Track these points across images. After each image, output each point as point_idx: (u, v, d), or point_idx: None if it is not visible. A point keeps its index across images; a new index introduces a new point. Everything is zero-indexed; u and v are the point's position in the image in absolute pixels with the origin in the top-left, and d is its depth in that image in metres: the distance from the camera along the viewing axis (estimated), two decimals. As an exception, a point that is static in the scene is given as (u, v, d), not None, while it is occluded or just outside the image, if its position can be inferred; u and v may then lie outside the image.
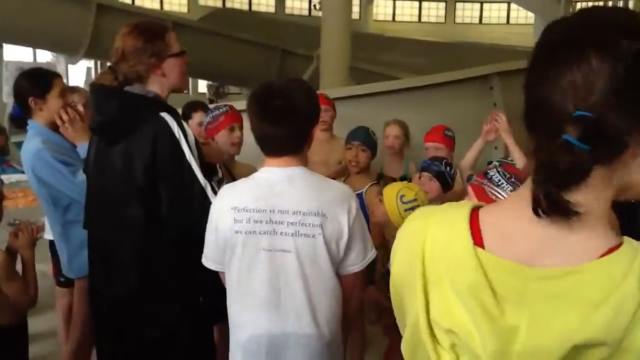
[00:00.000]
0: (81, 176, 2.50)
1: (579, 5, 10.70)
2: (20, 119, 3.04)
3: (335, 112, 3.78)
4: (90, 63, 15.64)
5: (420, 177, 3.06)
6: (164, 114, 1.96)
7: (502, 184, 1.99)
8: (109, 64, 2.19)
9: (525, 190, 0.79)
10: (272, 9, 20.50)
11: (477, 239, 0.81)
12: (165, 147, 1.93)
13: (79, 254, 2.78)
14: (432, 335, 0.81)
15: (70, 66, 9.44)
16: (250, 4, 20.31)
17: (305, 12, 20.75)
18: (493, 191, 1.99)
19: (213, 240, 1.76)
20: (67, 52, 8.72)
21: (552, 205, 0.73)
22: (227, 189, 1.79)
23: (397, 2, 21.61)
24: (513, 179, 2.01)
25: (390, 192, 2.63)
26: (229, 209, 1.69)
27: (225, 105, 3.07)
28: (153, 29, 2.05)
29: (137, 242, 2.00)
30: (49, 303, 3.38)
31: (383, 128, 3.77)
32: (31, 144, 2.69)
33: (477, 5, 20.92)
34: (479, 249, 0.79)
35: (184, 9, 19.03)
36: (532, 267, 0.76)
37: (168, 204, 1.96)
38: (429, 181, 2.99)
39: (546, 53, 0.79)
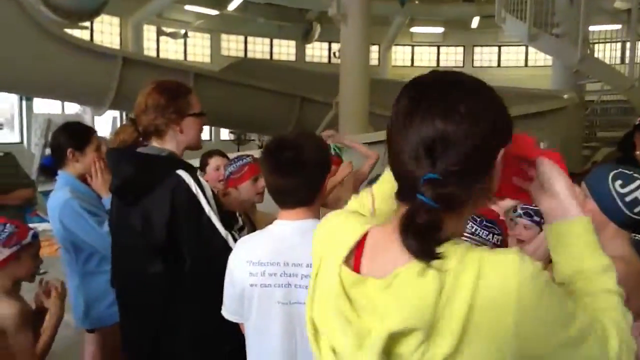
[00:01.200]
0: (106, 227, 2.57)
1: (597, 47, 10.70)
2: (50, 169, 3.16)
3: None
4: (116, 113, 16.07)
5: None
6: (180, 172, 2.00)
7: (477, 230, 1.97)
8: (131, 116, 2.27)
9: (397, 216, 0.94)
10: (292, 57, 20.95)
11: (358, 254, 0.98)
12: (183, 203, 1.97)
13: (97, 305, 2.84)
14: (315, 331, 1.01)
15: (96, 117, 9.71)
16: (271, 53, 20.80)
17: (325, 60, 21.15)
18: (474, 242, 1.95)
19: (231, 292, 1.78)
20: (93, 105, 8.99)
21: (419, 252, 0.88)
22: (242, 243, 1.82)
23: (415, 48, 21.92)
24: (485, 222, 1.99)
25: None
26: (244, 262, 1.71)
27: (248, 156, 3.13)
28: (177, 88, 2.15)
29: (158, 297, 2.05)
30: (72, 356, 3.39)
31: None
32: (60, 194, 2.79)
33: (495, 49, 21.11)
34: (343, 267, 0.97)
35: (207, 59, 19.54)
36: (380, 278, 0.92)
37: (191, 259, 1.99)
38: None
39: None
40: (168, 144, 2.11)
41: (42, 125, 11.11)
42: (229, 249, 1.93)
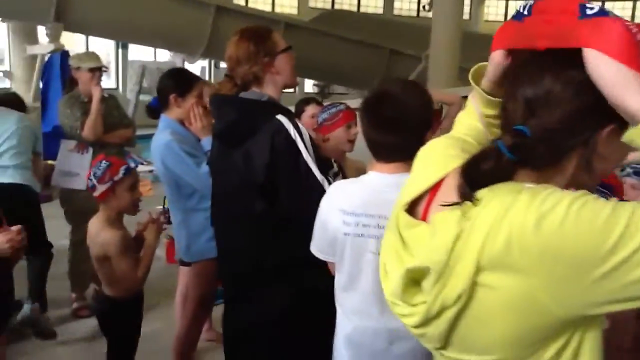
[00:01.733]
0: (204, 168, 2.70)
1: None
2: (155, 111, 3.34)
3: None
4: (205, 62, 16.45)
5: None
6: (280, 116, 2.05)
7: None
8: (223, 65, 2.33)
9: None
10: (380, 10, 20.53)
11: (431, 198, 1.01)
12: (282, 146, 2.01)
13: (197, 240, 3.01)
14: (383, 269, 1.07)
15: (188, 64, 10.00)
16: (359, 5, 20.46)
17: (414, 13, 20.58)
18: None
19: (321, 234, 1.82)
20: (186, 52, 9.22)
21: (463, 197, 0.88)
22: (336, 189, 1.84)
23: (509, 2, 20.86)
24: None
25: None
26: (338, 211, 1.74)
27: (341, 103, 3.16)
28: (260, 32, 2.19)
29: (260, 232, 2.14)
30: (161, 285, 3.62)
31: None
32: (162, 136, 2.94)
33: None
34: (401, 212, 1.01)
35: (294, 11, 19.52)
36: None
37: (288, 199, 2.06)
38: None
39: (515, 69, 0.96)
40: (267, 88, 2.16)
41: (137, 72, 11.59)
42: (324, 191, 1.95)
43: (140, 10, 8.49)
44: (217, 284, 3.07)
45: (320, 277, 1.93)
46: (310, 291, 2.06)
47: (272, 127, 2.03)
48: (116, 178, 2.53)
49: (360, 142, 2.29)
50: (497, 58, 0.99)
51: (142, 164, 8.19)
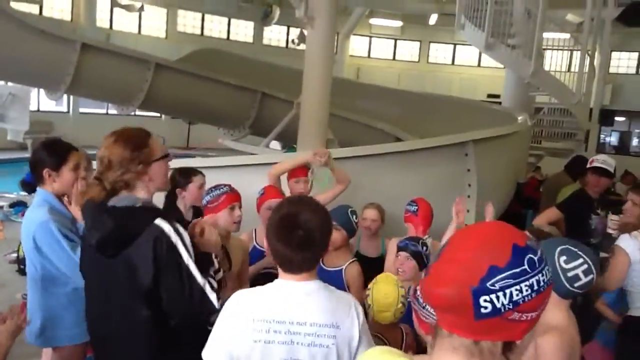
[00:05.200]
0: (79, 253, 2.54)
1: (547, 61, 11.12)
2: (29, 184, 3.13)
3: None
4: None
5: (397, 256, 3.24)
6: (158, 221, 2.05)
7: (426, 305, 2.11)
8: (94, 172, 2.22)
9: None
10: (250, 39, 20.69)
11: None
12: (163, 253, 2.02)
13: (54, 324, 2.82)
14: None
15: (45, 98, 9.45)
16: (228, 33, 20.47)
17: (283, 44, 20.99)
18: (423, 314, 2.13)
19: (223, 341, 1.85)
20: (48, 89, 8.70)
21: None
22: (245, 297, 1.91)
23: (373, 39, 22.02)
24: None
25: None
26: (249, 319, 1.82)
27: (225, 186, 3.21)
28: (137, 139, 2.15)
29: (147, 337, 2.11)
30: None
31: (361, 210, 3.96)
32: (38, 213, 2.79)
33: (451, 47, 21.50)
34: None
35: (162, 34, 19.07)
36: None
37: (170, 304, 2.06)
38: (406, 260, 3.17)
39: None
40: (138, 192, 2.14)
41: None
42: (204, 295, 2.04)
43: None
44: None
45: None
46: None
47: (152, 233, 2.03)
48: None
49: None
50: None
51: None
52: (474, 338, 1.00)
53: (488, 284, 0.95)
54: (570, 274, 2.07)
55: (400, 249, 3.24)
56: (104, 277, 2.16)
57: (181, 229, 2.09)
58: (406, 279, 3.05)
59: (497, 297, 0.95)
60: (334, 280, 3.35)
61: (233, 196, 3.18)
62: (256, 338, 1.80)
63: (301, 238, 1.83)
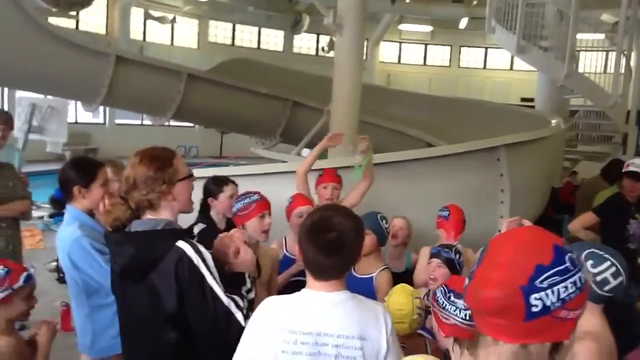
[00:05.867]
0: None
1: (581, 63, 10.91)
2: (59, 202, 3.22)
3: (341, 186, 3.99)
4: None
5: (429, 263, 3.21)
6: (180, 243, 2.05)
7: (445, 306, 2.10)
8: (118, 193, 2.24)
9: None
10: (280, 48, 20.87)
11: None
12: (186, 276, 2.01)
13: (103, 336, 2.90)
14: None
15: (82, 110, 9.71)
16: (259, 42, 20.70)
17: (313, 52, 21.11)
18: (443, 316, 2.11)
19: (252, 351, 1.86)
20: (84, 101, 8.93)
21: None
22: (273, 307, 1.90)
23: (403, 45, 21.98)
24: (452, 297, 2.11)
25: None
26: (277, 329, 1.82)
27: (255, 194, 3.22)
28: (162, 158, 2.13)
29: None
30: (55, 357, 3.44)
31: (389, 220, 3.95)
32: (69, 230, 2.84)
33: (482, 51, 21.28)
34: None
35: (194, 45, 19.41)
36: None
37: (197, 326, 2.07)
38: (438, 267, 3.14)
39: None
40: (163, 213, 2.14)
41: (26, 110, 11.01)
42: (231, 314, 2.03)
43: (30, 56, 8.13)
44: None
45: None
46: None
47: (174, 256, 2.02)
48: (16, 286, 2.38)
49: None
50: None
51: (32, 208, 7.72)
52: (522, 341, 1.00)
53: (537, 283, 0.97)
54: (598, 278, 2.03)
55: (432, 255, 3.22)
56: (131, 302, 2.19)
57: (203, 249, 2.08)
58: (438, 286, 3.02)
59: (547, 295, 0.96)
60: (365, 287, 3.34)
61: (263, 204, 3.19)
62: (284, 349, 1.80)
63: (333, 240, 1.82)
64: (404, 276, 3.78)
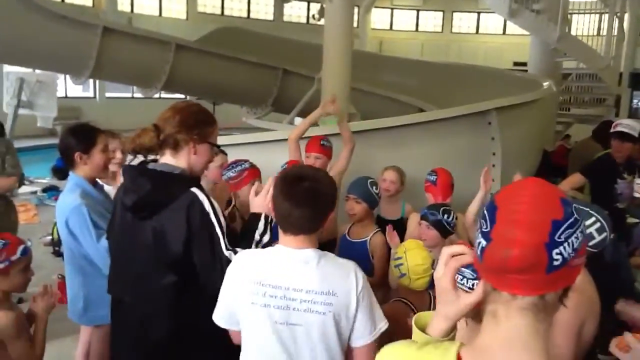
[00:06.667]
0: (104, 242, 2.63)
1: (574, 25, 10.83)
2: (61, 171, 3.22)
3: (329, 157, 4.01)
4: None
5: (420, 224, 3.25)
6: (194, 189, 2.12)
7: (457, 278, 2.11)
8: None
9: (515, 333, 1.05)
10: (270, 16, 20.61)
11: None
12: (197, 220, 2.08)
13: (96, 304, 2.91)
14: None
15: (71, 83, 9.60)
16: (249, 11, 20.42)
17: (304, 20, 20.87)
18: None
19: (227, 303, 1.93)
20: (72, 74, 8.82)
21: None
22: (246, 259, 1.94)
23: (395, 12, 21.75)
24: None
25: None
26: (247, 281, 1.86)
27: (245, 161, 3.23)
28: (208, 116, 2.29)
29: (171, 305, 2.17)
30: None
31: (380, 172, 3.98)
32: (71, 197, 2.86)
33: (474, 15, 21.08)
34: None
35: (183, 15, 19.13)
36: None
37: (201, 269, 2.12)
38: (427, 229, 3.18)
39: None
40: (180, 160, 2.20)
41: (14, 85, 10.89)
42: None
43: (17, 29, 7.99)
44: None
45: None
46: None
47: (187, 198, 2.09)
48: (13, 258, 2.39)
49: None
50: None
51: (24, 183, 7.73)
52: (541, 292, 1.04)
53: (556, 238, 1.00)
54: None
55: (421, 217, 3.24)
56: (132, 240, 2.22)
57: (214, 201, 2.14)
58: (428, 247, 3.06)
59: (564, 248, 1.00)
60: (359, 251, 3.38)
61: (254, 171, 3.21)
62: (253, 300, 1.84)
63: (306, 190, 1.83)
64: (399, 223, 3.82)
